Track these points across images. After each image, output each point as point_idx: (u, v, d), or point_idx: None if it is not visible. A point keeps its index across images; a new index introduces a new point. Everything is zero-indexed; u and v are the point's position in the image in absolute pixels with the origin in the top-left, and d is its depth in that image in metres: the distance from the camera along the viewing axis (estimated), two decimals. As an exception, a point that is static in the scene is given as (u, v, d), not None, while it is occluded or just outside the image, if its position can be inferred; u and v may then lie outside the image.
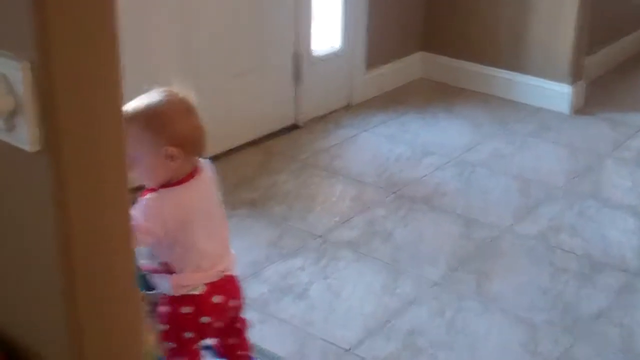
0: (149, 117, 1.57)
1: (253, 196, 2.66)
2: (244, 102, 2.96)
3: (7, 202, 1.05)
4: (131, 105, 1.58)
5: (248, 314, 2.02)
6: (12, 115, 0.94)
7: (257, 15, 2.95)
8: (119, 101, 1.02)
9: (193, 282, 1.61)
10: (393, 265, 2.32)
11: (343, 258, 2.35)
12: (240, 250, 2.32)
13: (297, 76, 3.15)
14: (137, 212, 1.53)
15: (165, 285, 1.62)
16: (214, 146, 2.75)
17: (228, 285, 1.67)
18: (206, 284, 1.62)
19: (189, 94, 1.62)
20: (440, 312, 2.12)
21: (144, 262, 1.62)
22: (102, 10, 0.95)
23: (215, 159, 2.79)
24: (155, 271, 1.63)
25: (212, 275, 1.63)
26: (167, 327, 1.63)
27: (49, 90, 0.93)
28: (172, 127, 1.57)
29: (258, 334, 1.98)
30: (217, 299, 1.64)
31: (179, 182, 1.60)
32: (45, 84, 0.93)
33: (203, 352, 1.75)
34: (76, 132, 0.97)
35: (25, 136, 0.94)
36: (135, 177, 1.57)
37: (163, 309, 1.63)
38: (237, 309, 1.72)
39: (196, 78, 2.69)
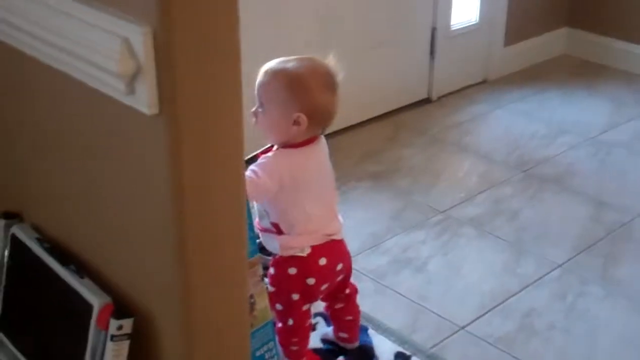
0: (293, 79, 1.62)
1: (379, 169, 2.67)
2: (378, 74, 2.97)
3: (126, 162, 1.11)
4: (279, 62, 1.64)
5: (364, 284, 2.07)
6: (133, 78, 0.99)
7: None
8: (237, 70, 1.05)
9: (299, 243, 1.65)
10: (516, 245, 2.28)
11: (465, 235, 2.33)
12: (362, 221, 2.37)
13: (432, 50, 3.12)
14: (256, 167, 1.60)
15: (274, 245, 1.67)
16: (345, 118, 2.81)
17: (334, 249, 1.70)
18: (312, 247, 1.66)
19: (335, 69, 1.66)
20: (561, 295, 2.08)
21: (257, 222, 1.68)
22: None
23: (345, 130, 2.85)
24: (266, 231, 1.68)
25: (318, 238, 1.67)
26: (274, 288, 1.68)
27: (169, 56, 0.97)
28: (310, 96, 1.61)
29: (372, 304, 2.01)
30: (322, 261, 1.67)
31: (295, 145, 1.64)
32: (166, 49, 0.97)
33: (315, 318, 1.79)
34: (194, 98, 1.01)
35: (144, 99, 0.99)
36: (256, 125, 1.64)
37: (271, 270, 1.68)
38: (345, 273, 1.75)
39: (332, 47, 2.72)
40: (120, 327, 1.15)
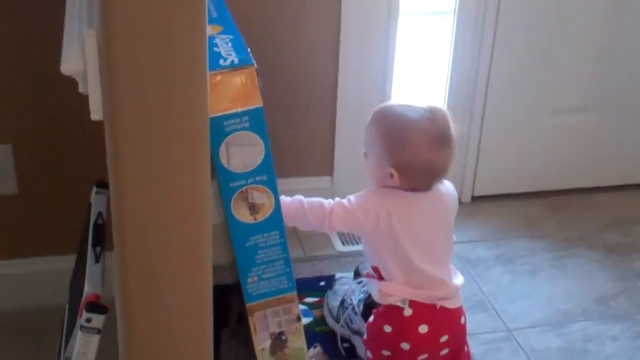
0: (391, 129, 1.49)
1: (620, 241, 2.32)
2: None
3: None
4: (391, 106, 1.51)
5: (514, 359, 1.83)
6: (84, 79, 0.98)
7: None
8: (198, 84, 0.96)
9: (399, 292, 1.52)
10: None
11: (670, 346, 1.94)
12: (564, 293, 2.09)
13: None
14: (353, 197, 1.51)
15: (374, 291, 1.55)
16: (605, 176, 2.50)
17: (441, 317, 1.52)
18: (412, 305, 1.49)
19: (449, 123, 1.48)
20: None
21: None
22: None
23: (603, 190, 2.52)
24: (368, 276, 1.57)
25: (422, 296, 1.50)
26: (368, 336, 1.57)
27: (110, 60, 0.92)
28: (402, 152, 1.47)
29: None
30: (423, 328, 1.51)
31: (403, 188, 1.50)
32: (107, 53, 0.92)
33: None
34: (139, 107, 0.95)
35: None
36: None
37: (370, 318, 1.57)
38: (451, 347, 1.55)
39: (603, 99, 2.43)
40: (88, 320, 1.16)
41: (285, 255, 1.29)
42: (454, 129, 1.50)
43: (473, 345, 1.86)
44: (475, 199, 2.47)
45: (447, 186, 1.56)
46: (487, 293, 2.08)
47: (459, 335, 1.56)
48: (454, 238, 1.60)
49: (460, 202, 2.43)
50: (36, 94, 1.82)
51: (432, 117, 1.48)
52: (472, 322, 1.94)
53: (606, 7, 2.33)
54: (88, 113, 1.00)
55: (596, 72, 2.40)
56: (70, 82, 1.06)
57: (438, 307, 1.52)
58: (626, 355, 1.90)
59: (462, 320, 1.56)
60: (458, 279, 1.57)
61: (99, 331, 1.17)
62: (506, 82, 2.34)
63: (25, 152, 1.88)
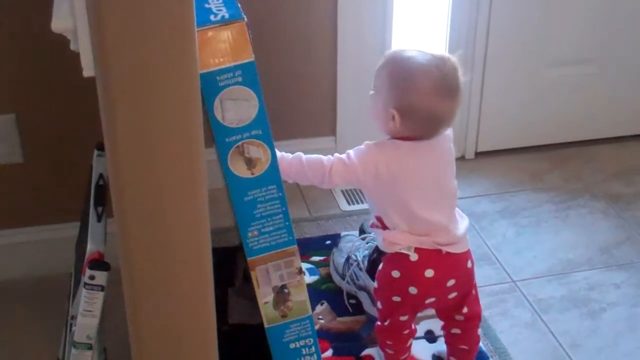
0: (399, 71, 1.50)
1: (624, 191, 2.33)
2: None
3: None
4: (404, 50, 1.52)
5: (522, 312, 1.86)
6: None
7: None
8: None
9: (403, 240, 1.53)
10: None
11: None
12: (567, 244, 2.11)
13: None
14: (352, 151, 1.53)
15: (379, 240, 1.59)
16: (611, 127, 2.50)
17: (446, 262, 1.54)
18: (417, 251, 1.52)
19: (460, 75, 1.50)
20: None
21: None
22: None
23: (609, 140, 2.52)
24: (373, 226, 1.59)
25: (425, 243, 1.52)
26: (378, 285, 1.61)
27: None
28: (406, 95, 1.47)
29: (515, 336, 1.80)
30: (429, 272, 1.53)
31: (402, 138, 1.51)
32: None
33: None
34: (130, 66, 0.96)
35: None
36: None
37: (380, 266, 1.59)
38: (459, 292, 1.57)
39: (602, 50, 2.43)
40: (92, 277, 1.18)
41: (284, 208, 1.31)
42: (462, 81, 1.50)
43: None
44: (478, 154, 2.48)
45: (446, 132, 1.56)
46: (492, 246, 2.10)
47: (466, 279, 1.58)
48: (457, 189, 1.60)
49: (464, 158, 2.46)
50: (35, 60, 1.84)
51: (441, 65, 1.48)
52: (478, 275, 1.92)
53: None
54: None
55: (597, 24, 2.39)
56: (67, 46, 1.08)
57: (444, 252, 1.53)
58: (629, 302, 1.92)
59: (469, 265, 1.57)
60: (463, 224, 1.57)
61: (102, 288, 1.20)
62: (506, 34, 2.34)
63: (28, 120, 1.90)
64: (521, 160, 2.47)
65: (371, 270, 1.80)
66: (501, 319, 1.85)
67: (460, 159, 2.46)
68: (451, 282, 1.55)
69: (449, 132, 1.56)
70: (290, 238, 1.34)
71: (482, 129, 2.45)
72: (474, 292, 1.62)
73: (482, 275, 1.97)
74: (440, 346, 1.74)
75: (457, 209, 1.59)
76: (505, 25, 2.32)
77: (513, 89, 2.43)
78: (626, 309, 1.89)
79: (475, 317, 1.63)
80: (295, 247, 1.34)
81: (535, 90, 2.44)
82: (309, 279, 1.90)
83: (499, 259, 2.06)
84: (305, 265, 1.92)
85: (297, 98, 2.25)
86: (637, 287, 1.96)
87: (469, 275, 1.59)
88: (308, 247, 2.02)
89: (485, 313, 1.83)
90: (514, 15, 2.32)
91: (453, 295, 1.58)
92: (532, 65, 2.41)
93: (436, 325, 1.74)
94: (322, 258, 1.99)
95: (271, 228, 1.33)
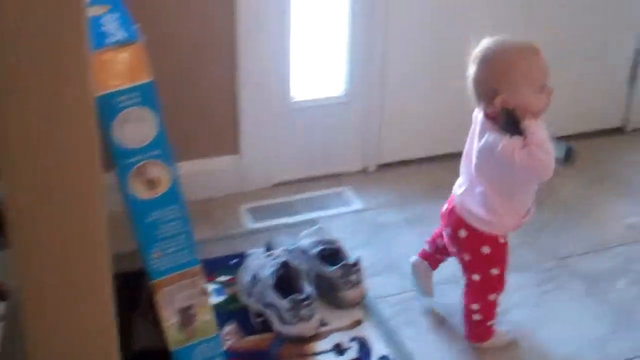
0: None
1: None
2: (569, 93, 2.64)
3: None
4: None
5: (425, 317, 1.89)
6: None
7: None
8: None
9: None
10: (622, 315, 1.94)
11: (570, 290, 2.02)
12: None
13: (633, 74, 2.74)
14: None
15: None
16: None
17: (445, 212, 1.81)
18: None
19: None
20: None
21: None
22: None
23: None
24: None
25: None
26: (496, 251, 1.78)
27: None
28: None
29: (419, 343, 1.83)
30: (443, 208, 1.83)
31: None
32: None
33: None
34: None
35: None
36: None
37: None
38: (447, 238, 1.80)
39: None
40: (-11, 307, 1.15)
41: (186, 228, 1.30)
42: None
43: (384, 308, 1.92)
44: (381, 167, 2.52)
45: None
46: (398, 256, 2.13)
47: (450, 230, 1.79)
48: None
49: (367, 171, 2.49)
50: None
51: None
52: (384, 285, 2.00)
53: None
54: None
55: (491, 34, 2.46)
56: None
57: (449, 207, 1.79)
58: (531, 302, 1.98)
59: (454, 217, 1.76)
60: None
61: (2, 317, 1.16)
62: (403, 50, 2.39)
63: None
64: (424, 170, 2.52)
65: (278, 286, 1.80)
66: (408, 327, 1.88)
67: (363, 171, 2.50)
68: (444, 229, 1.84)
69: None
70: (194, 258, 1.33)
71: (383, 140, 2.50)
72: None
73: (389, 285, 2.00)
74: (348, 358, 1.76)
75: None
76: (404, 40, 2.38)
77: (414, 100, 2.48)
78: (529, 308, 1.95)
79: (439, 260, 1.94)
80: (198, 267, 1.33)
81: (436, 101, 2.50)
82: (215, 299, 1.89)
83: (406, 267, 2.08)
84: (211, 286, 1.91)
85: (196, 117, 2.24)
86: (537, 286, 2.03)
87: (452, 226, 1.80)
88: (214, 267, 2.01)
89: (391, 322, 1.87)
90: (410, 27, 2.38)
91: (447, 231, 1.82)
92: (432, 77, 2.47)
93: (345, 337, 1.76)
94: (228, 278, 1.98)
95: (174, 249, 1.32)
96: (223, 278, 1.98)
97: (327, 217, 2.27)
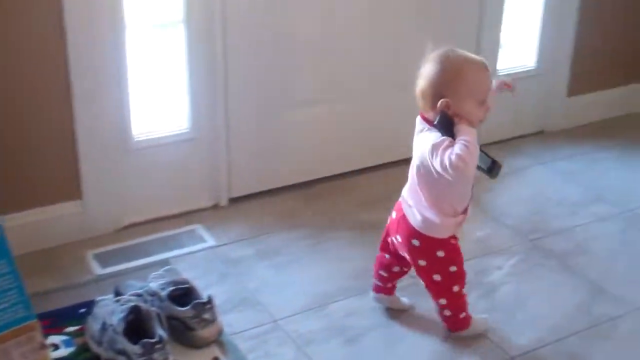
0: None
1: (370, 218, 2.44)
2: (392, 118, 2.71)
3: None
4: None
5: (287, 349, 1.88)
6: None
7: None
8: None
9: None
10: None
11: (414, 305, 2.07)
12: (321, 276, 2.17)
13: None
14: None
15: None
16: (343, 164, 2.62)
17: (394, 220, 1.89)
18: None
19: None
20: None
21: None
22: None
23: (345, 175, 2.64)
24: None
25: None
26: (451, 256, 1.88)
27: None
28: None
29: None
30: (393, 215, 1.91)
31: None
32: None
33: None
34: None
35: None
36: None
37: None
38: (398, 245, 1.89)
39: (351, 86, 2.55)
40: None
41: (17, 283, 1.25)
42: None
43: (240, 343, 1.90)
44: (232, 200, 2.51)
45: None
46: (253, 289, 2.11)
47: (399, 238, 1.87)
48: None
49: (218, 206, 2.47)
50: None
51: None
52: (239, 321, 1.98)
53: (318, 12, 2.45)
54: None
55: (324, 67, 2.51)
56: None
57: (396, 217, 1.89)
58: (384, 323, 2.01)
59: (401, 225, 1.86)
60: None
61: None
62: (244, 82, 2.40)
63: None
64: (275, 201, 2.52)
65: (129, 332, 1.75)
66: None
67: (214, 207, 2.48)
68: (393, 237, 1.93)
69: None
70: (29, 313, 1.27)
71: (233, 175, 2.49)
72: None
73: (244, 320, 1.99)
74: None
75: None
76: (241, 73, 2.38)
77: (261, 132, 2.48)
78: (382, 330, 1.98)
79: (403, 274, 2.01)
80: (35, 321, 1.28)
81: (279, 132, 2.52)
82: (64, 351, 1.81)
83: (261, 300, 2.08)
84: (59, 338, 1.84)
85: (33, 163, 2.15)
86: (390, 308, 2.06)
87: (401, 234, 1.89)
88: (62, 318, 1.93)
89: (249, 357, 1.85)
90: (248, 64, 2.39)
91: (398, 238, 1.91)
92: (272, 108, 2.48)
93: None
94: (77, 328, 1.90)
95: (6, 304, 1.26)
96: (71, 328, 1.90)
97: (179, 257, 2.23)
